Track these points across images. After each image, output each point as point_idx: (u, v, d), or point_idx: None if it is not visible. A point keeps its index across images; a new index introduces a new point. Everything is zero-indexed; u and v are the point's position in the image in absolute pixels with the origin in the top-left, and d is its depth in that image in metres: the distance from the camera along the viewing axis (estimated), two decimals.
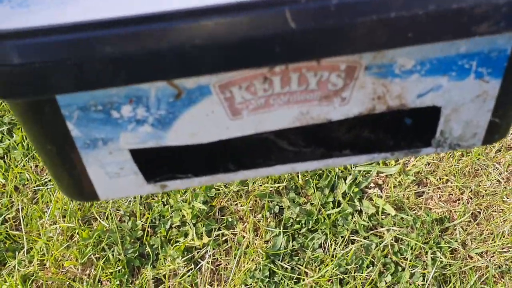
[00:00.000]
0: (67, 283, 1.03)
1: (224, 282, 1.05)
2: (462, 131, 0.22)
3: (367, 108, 0.20)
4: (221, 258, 1.07)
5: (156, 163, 0.23)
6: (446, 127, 0.22)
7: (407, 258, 1.06)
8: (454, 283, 1.05)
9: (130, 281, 1.04)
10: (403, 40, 0.16)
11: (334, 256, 1.07)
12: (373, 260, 1.07)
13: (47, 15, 0.17)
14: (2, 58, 0.16)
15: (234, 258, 1.07)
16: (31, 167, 1.17)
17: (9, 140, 1.20)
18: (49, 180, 1.15)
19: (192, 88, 0.18)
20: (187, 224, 1.10)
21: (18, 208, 1.11)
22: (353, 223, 1.10)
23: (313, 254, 1.07)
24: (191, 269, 1.06)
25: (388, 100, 0.20)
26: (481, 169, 1.19)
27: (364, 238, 1.09)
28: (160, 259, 1.06)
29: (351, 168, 1.17)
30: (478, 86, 0.20)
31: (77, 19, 0.17)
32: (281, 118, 0.20)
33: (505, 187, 1.16)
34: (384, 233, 1.10)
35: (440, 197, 1.16)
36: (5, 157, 1.19)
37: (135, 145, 0.20)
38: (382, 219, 1.12)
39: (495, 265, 1.07)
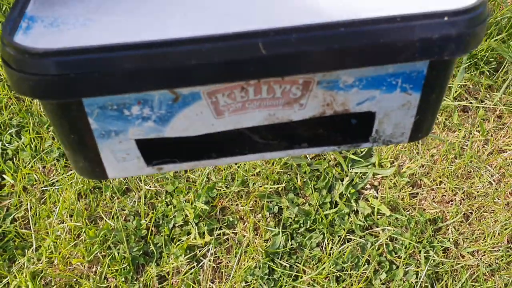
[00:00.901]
0: (74, 279, 1.06)
1: (225, 280, 1.08)
2: (392, 131, 0.27)
3: (319, 112, 0.26)
4: (222, 256, 1.10)
5: (155, 150, 0.28)
6: (380, 127, 0.27)
7: (401, 257, 1.10)
8: (446, 280, 1.08)
9: (135, 278, 1.07)
10: (344, 65, 0.22)
11: (331, 255, 1.10)
12: (369, 258, 1.10)
13: (75, 34, 0.21)
14: (43, 70, 0.20)
15: (235, 256, 1.10)
16: (39, 168, 1.20)
17: (17, 142, 1.23)
18: (57, 181, 1.19)
19: (186, 94, 0.23)
20: (189, 223, 1.13)
21: (27, 208, 1.15)
22: (350, 223, 1.14)
23: (311, 253, 1.10)
24: (194, 266, 1.09)
25: (335, 106, 0.25)
26: (473, 171, 1.23)
27: (360, 237, 1.13)
28: (163, 257, 1.09)
29: (348, 170, 1.21)
30: (403, 98, 0.26)
31: (101, 41, 0.21)
32: (254, 118, 0.26)
33: (496, 189, 1.20)
34: (379, 233, 1.14)
35: (433, 198, 1.20)
36: (14, 158, 1.22)
37: (140, 136, 0.25)
38: (377, 219, 1.15)
39: (485, 263, 1.10)
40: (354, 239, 1.12)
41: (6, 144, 1.23)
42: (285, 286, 1.06)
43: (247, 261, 1.09)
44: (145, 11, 0.23)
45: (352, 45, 0.21)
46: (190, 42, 0.20)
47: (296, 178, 1.19)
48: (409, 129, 0.28)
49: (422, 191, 1.20)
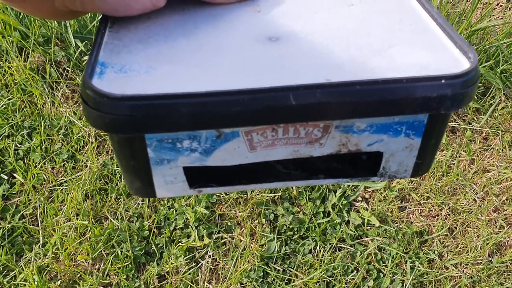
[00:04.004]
0: (79, 275, 1.11)
1: (222, 281, 1.12)
2: (397, 168, 0.31)
3: (335, 150, 0.29)
4: (219, 258, 1.15)
5: (197, 176, 0.31)
6: (386, 164, 0.31)
7: (388, 266, 1.15)
8: None
9: (136, 276, 1.12)
10: (358, 115, 0.26)
11: (323, 261, 1.15)
12: (358, 266, 1.15)
13: (140, 80, 0.26)
14: (118, 111, 0.24)
15: (232, 259, 1.14)
16: (48, 168, 1.26)
17: (29, 143, 1.29)
18: (65, 181, 1.24)
19: (228, 132, 0.28)
20: (190, 226, 1.18)
21: (35, 206, 1.19)
22: (341, 232, 1.19)
23: (303, 259, 1.15)
24: (192, 267, 1.13)
25: (349, 146, 0.29)
26: (459, 188, 1.29)
27: (350, 246, 1.18)
28: (164, 257, 1.14)
29: None
30: (407, 141, 0.29)
31: (162, 89, 0.25)
32: (280, 153, 0.29)
33: (480, 206, 1.26)
34: (368, 242, 1.19)
35: (420, 212, 1.25)
36: (25, 158, 1.27)
37: (187, 164, 0.29)
38: (367, 229, 1.21)
39: (467, 275, 1.16)
40: (344, 248, 1.18)
41: (18, 145, 1.28)
42: None
43: (243, 264, 1.13)
44: (196, 61, 0.27)
45: (365, 100, 0.25)
46: (234, 93, 0.25)
47: (292, 188, 1.25)
48: (411, 167, 0.31)
49: (410, 205, 1.26)
